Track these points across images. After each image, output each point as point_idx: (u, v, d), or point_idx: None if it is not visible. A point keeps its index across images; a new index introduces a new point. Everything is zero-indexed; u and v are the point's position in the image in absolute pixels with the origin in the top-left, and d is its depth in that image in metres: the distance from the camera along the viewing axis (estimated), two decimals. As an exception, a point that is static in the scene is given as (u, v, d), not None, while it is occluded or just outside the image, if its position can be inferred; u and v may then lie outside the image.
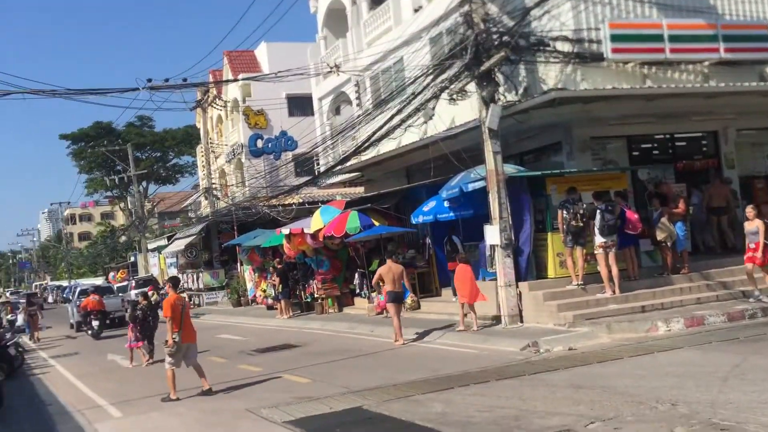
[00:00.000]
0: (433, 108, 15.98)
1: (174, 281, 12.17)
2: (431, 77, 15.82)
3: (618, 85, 14.83)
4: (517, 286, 13.90)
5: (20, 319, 27.68)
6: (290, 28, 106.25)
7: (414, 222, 16.73)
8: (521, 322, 13.79)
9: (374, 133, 18.42)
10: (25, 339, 24.40)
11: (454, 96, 15.20)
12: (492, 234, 13.92)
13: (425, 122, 16.55)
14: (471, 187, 14.77)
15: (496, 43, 14.01)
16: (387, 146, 19.97)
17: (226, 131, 41.61)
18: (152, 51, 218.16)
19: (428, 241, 18.29)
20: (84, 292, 29.65)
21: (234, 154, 39.19)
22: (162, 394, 11.07)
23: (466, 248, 15.87)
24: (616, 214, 13.47)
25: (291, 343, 16.20)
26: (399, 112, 17.33)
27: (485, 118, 14.11)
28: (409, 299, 17.92)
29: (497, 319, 14.22)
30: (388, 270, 14.38)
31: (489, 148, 14.08)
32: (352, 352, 13.80)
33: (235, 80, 33.62)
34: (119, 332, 23.48)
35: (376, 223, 18.61)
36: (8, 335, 17.96)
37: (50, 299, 65.42)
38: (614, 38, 14.57)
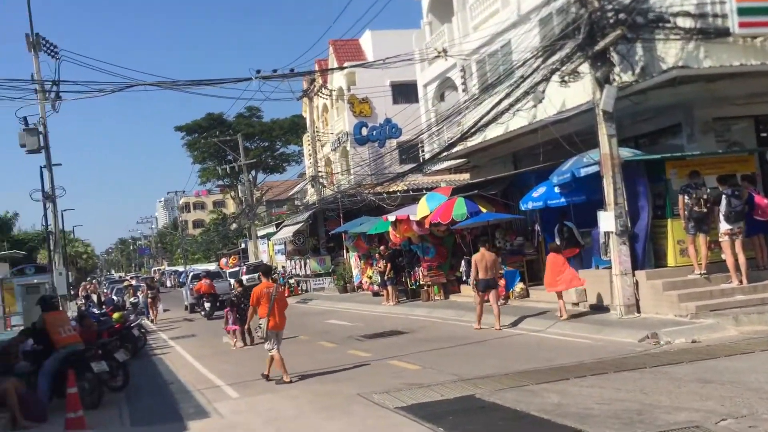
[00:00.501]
0: (543, 91, 15.49)
1: (265, 269, 12.44)
2: (541, 59, 15.37)
3: (746, 61, 13.85)
4: (634, 275, 13.31)
5: (141, 302, 29.38)
6: (395, 15, 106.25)
7: (523, 208, 16.34)
8: (638, 312, 13.20)
9: (481, 118, 18.10)
10: (145, 321, 25.72)
11: (566, 78, 14.67)
12: (607, 220, 13.38)
13: (534, 106, 16.07)
14: (584, 172, 14.24)
15: (611, 21, 13.40)
16: (494, 132, 19.57)
17: (332, 120, 42.22)
18: (259, 43, 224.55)
19: (537, 227, 17.83)
20: (196, 277, 31.61)
21: (339, 143, 39.71)
22: (275, 377, 11.39)
23: (582, 235, 15.34)
24: (744, 199, 12.62)
25: (398, 330, 16.24)
26: (507, 96, 16.95)
27: (599, 100, 13.56)
28: (518, 287, 17.60)
29: (604, 309, 13.72)
30: (482, 258, 14.62)
31: (603, 131, 13.52)
32: (461, 339, 13.66)
33: (342, 68, 33.99)
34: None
35: (483, 210, 18.33)
36: (132, 317, 18.98)
37: (168, 284, 68.85)
38: (742, 11, 13.58)
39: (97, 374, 10.48)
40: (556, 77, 14.95)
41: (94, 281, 58.84)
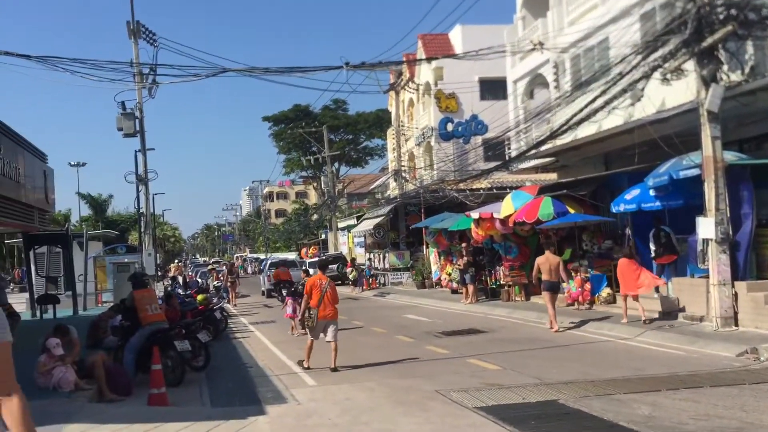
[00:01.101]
0: (643, 89, 14.83)
1: (322, 263, 13.63)
2: (642, 55, 14.70)
3: None
4: (733, 286, 12.56)
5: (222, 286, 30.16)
6: (486, 11, 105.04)
7: (615, 210, 15.71)
8: (736, 325, 12.46)
9: (574, 115, 17.51)
10: (227, 304, 26.29)
11: (668, 75, 13.98)
12: (706, 227, 12.67)
13: (632, 104, 15.41)
14: (683, 174, 13.55)
15: (721, 16, 12.67)
16: (586, 131, 18.91)
17: (417, 114, 42.03)
18: (348, 36, 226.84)
19: (628, 231, 17.11)
20: (274, 265, 32.48)
21: (424, 138, 39.49)
22: (350, 367, 11.36)
23: (679, 241, 14.63)
24: None
25: (477, 328, 15.92)
26: (603, 93, 16.32)
27: (704, 99, 12.85)
28: (604, 292, 16.97)
29: (700, 319, 13.00)
30: (545, 260, 15.17)
31: (707, 132, 12.81)
32: (542, 342, 13.25)
33: (431, 59, 33.73)
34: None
35: (571, 210, 17.75)
36: (215, 299, 19.39)
37: (249, 270, 70.46)
38: None
39: (180, 353, 10.67)
40: (657, 74, 14.27)
41: (180, 264, 60.80)
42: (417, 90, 38.49)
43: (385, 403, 8.70)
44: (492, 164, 29.02)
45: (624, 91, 15.25)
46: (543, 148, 21.08)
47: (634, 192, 15.22)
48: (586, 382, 9.19)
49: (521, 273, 20.84)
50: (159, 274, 34.67)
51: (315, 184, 74.97)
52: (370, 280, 34.30)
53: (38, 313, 20.84)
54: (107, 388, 9.79)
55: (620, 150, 19.53)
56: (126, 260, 25.65)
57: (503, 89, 37.49)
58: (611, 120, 17.33)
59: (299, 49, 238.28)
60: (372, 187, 64.80)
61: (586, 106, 17.05)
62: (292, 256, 58.34)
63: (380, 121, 62.60)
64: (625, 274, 14.53)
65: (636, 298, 14.37)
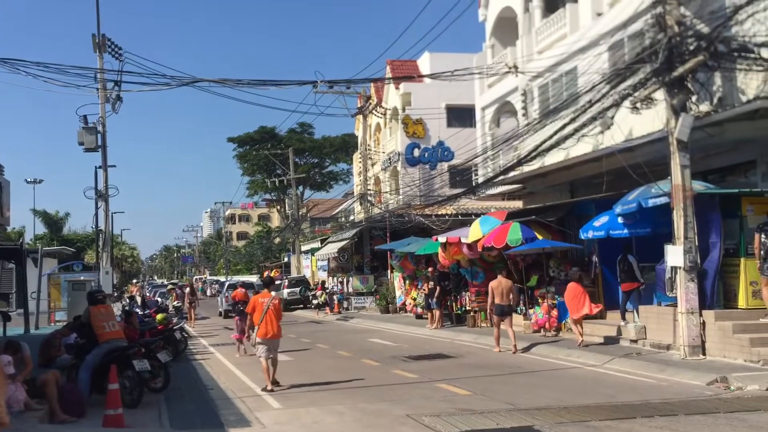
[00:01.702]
0: (612, 117, 14.94)
1: (266, 281, 13.27)
2: (611, 84, 14.83)
3: (833, 97, 13.11)
4: (701, 314, 12.56)
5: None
6: (453, 41, 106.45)
7: (583, 237, 15.71)
8: (703, 354, 12.44)
9: (543, 142, 17.58)
10: (187, 325, 25.63)
11: (638, 104, 14.11)
12: (675, 255, 12.69)
13: (602, 132, 15.48)
14: (651, 203, 13.60)
15: (691, 47, 12.84)
16: (553, 158, 19.03)
17: (384, 139, 42.05)
18: (315, 62, 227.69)
19: (595, 258, 17.15)
20: (232, 286, 32.70)
21: (390, 162, 39.46)
22: (316, 389, 11.06)
23: (645, 270, 14.65)
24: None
25: (444, 353, 15.69)
26: (573, 120, 16.43)
27: (674, 128, 12.96)
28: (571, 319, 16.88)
29: (668, 348, 13.00)
30: (498, 284, 15.74)
31: (677, 161, 12.90)
32: (511, 368, 13.06)
33: (408, 77, 33.89)
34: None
35: (539, 237, 17.72)
36: (174, 319, 18.83)
37: (208, 293, 69.25)
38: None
39: (138, 372, 10.21)
40: (627, 103, 14.40)
41: (138, 284, 59.45)
42: (384, 115, 38.51)
43: (355, 427, 8.38)
44: (458, 190, 29.07)
45: (593, 119, 15.35)
46: (510, 174, 21.15)
47: (603, 219, 15.24)
48: (559, 408, 9.00)
49: (487, 299, 20.69)
50: (116, 294, 33.75)
51: (278, 207, 74.34)
52: (334, 304, 33.82)
53: (-13, 331, 19.94)
54: (59, 409, 9.29)
55: (587, 178, 19.69)
56: (82, 278, 24.88)
57: (470, 117, 37.78)
58: (579, 148, 17.40)
59: (267, 74, 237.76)
60: (336, 211, 64.56)
61: (555, 133, 17.14)
62: (253, 278, 57.53)
63: (346, 146, 62.52)
64: (571, 298, 15.15)
65: (579, 321, 15.07)
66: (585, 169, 19.07)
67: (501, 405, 9.46)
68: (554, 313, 17.00)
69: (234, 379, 13.03)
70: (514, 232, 17.72)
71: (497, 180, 21.35)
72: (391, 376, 12.64)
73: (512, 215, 19.63)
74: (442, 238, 21.31)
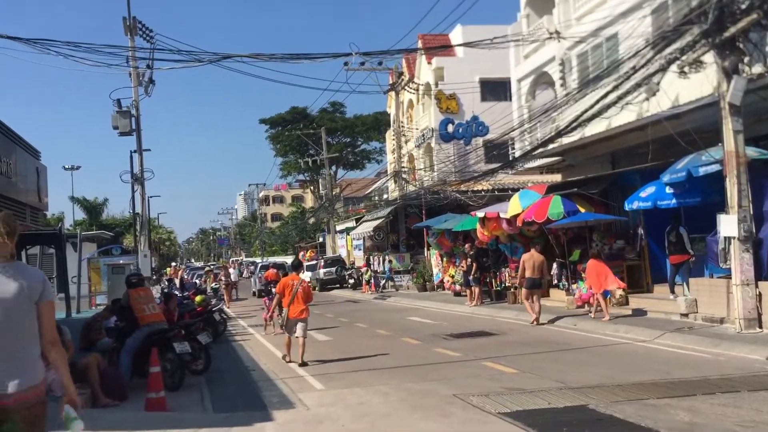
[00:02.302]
0: (658, 83, 14.34)
1: (295, 264, 13.50)
2: (657, 49, 14.20)
3: None
4: (757, 286, 12.02)
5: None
6: (484, 14, 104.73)
7: (629, 208, 15.15)
8: (759, 327, 11.92)
9: (584, 111, 17.03)
10: (225, 306, 25.68)
11: (686, 68, 13.48)
12: (728, 224, 12.14)
13: (647, 99, 14.89)
14: (702, 171, 13.03)
15: (743, 5, 12.17)
16: (594, 128, 18.44)
17: (417, 116, 41.50)
18: (347, 38, 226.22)
19: (640, 231, 16.61)
20: (264, 267, 35.36)
21: (424, 139, 38.96)
22: (357, 369, 10.85)
23: (694, 241, 14.11)
24: None
25: (486, 331, 15.37)
26: (615, 88, 15.84)
27: (725, 92, 12.35)
28: (617, 293, 16.41)
29: (721, 321, 12.49)
30: (530, 258, 16.15)
31: (729, 126, 12.30)
32: (557, 345, 12.68)
33: (445, 47, 33.29)
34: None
35: (582, 209, 17.20)
36: (213, 301, 18.79)
37: (245, 274, 69.73)
38: None
39: (179, 355, 10.08)
40: (673, 68, 13.79)
41: (177, 266, 60.06)
42: (417, 91, 37.96)
43: (401, 408, 8.11)
44: (494, 165, 28.51)
45: (638, 85, 14.76)
46: (549, 146, 20.59)
47: (649, 189, 14.70)
48: (613, 386, 8.63)
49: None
50: (154, 277, 34.04)
51: (312, 188, 74.39)
52: (383, 281, 33.46)
53: (30, 316, 20.17)
54: (101, 392, 9.20)
55: (629, 148, 19.04)
56: (121, 262, 25.03)
57: (504, 90, 37.08)
58: (622, 117, 16.85)
59: (298, 49, 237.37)
60: (370, 190, 64.29)
61: (596, 102, 16.60)
62: (288, 259, 57.70)
63: (378, 124, 62.15)
64: (592, 275, 15.36)
65: (603, 296, 15.21)
66: (628, 138, 18.42)
67: (551, 383, 9.12)
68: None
69: (275, 360, 12.86)
70: (556, 206, 17.22)
71: (536, 153, 20.80)
72: (433, 355, 12.36)
73: (552, 188, 19.12)
74: (480, 214, 20.90)
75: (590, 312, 15.70)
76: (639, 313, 15.40)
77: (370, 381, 10.02)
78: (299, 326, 11.78)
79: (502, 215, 19.73)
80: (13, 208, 16.06)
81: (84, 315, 20.53)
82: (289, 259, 57.21)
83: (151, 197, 47.91)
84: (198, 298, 17.02)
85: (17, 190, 16.13)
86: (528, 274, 15.92)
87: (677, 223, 14.45)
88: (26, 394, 3.59)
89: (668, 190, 14.18)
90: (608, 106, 16.12)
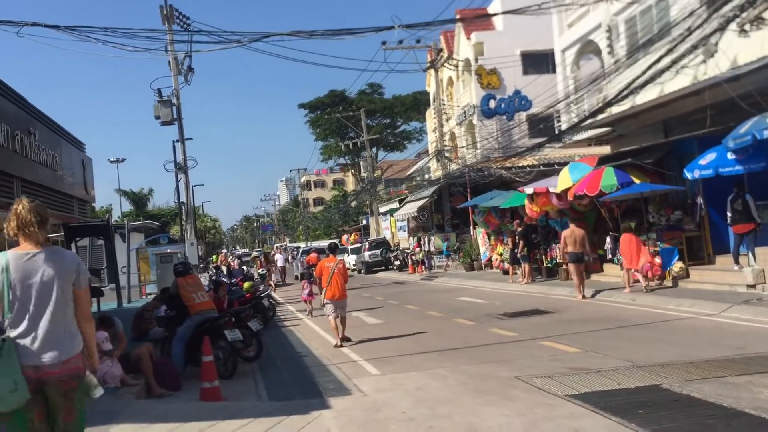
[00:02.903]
0: (716, 44, 13.61)
1: (331, 246, 13.91)
2: (713, 7, 13.45)
3: None
4: (832, 254, 11.34)
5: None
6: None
7: (689, 177, 14.41)
8: (835, 297, 11.25)
9: (636, 78, 16.32)
10: (273, 292, 25.65)
11: (746, 26, 12.74)
12: (799, 189, 11.45)
13: (704, 61, 14.20)
14: None
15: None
16: (646, 96, 17.71)
17: (457, 93, 40.82)
18: (384, 16, 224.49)
19: (699, 200, 15.90)
20: (306, 252, 36.73)
21: (465, 116, 38.30)
22: (410, 352, 10.58)
23: (759, 208, 13.41)
24: None
25: (541, 309, 14.92)
26: (669, 52, 15.12)
27: (792, 48, 11.58)
28: (676, 266, 15.78)
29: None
30: (571, 233, 16.54)
31: (797, 84, 11.55)
32: (617, 321, 12.19)
33: (487, 15, 32.56)
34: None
35: (636, 180, 16.54)
36: (261, 287, 18.70)
37: (290, 259, 70.10)
38: None
39: (230, 343, 9.92)
40: (732, 26, 13.04)
41: (224, 253, 60.69)
42: (456, 67, 37.28)
43: (463, 392, 7.78)
44: (539, 140, 27.82)
45: (694, 47, 14.04)
46: (599, 117, 19.89)
47: (710, 156, 13.99)
48: (685, 364, 8.16)
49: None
50: (201, 265, 34.29)
51: (353, 171, 74.26)
52: (442, 259, 33.18)
53: (83, 307, 20.38)
54: (155, 383, 9.09)
55: (683, 115, 18.23)
56: (168, 251, 25.15)
57: (546, 62, 36.17)
58: (676, 82, 16.14)
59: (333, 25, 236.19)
60: (411, 170, 63.82)
61: (649, 67, 15.91)
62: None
63: (417, 104, 61.55)
64: (627, 250, 15.46)
65: (637, 271, 15.36)
66: (682, 105, 17.61)
67: (617, 362, 8.68)
68: (657, 260, 15.87)
69: (326, 345, 12.66)
70: (608, 178, 16.59)
71: (585, 124, 20.10)
72: (488, 335, 12.00)
73: (604, 160, 18.44)
74: (529, 189, 20.33)
75: (625, 288, 15.73)
76: (699, 285, 14.78)
77: (425, 364, 9.71)
78: (338, 307, 12.24)
79: (551, 190, 19.16)
80: (60, 200, 16.13)
81: (135, 305, 20.68)
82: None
83: (194, 186, 48.41)
84: (246, 285, 16.92)
85: (64, 183, 16.19)
86: (570, 248, 16.35)
87: (741, 191, 13.74)
88: (57, 369, 3.95)
89: (730, 156, 13.47)
90: (662, 71, 15.44)
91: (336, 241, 56.14)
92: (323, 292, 12.34)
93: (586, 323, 12.25)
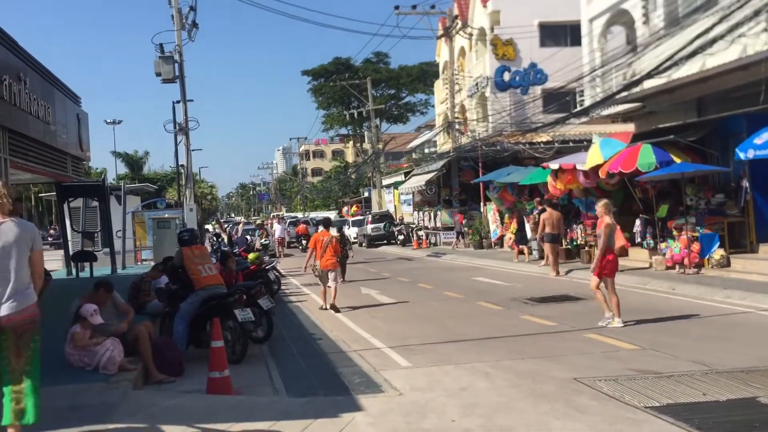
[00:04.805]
0: (782, 10, 12.34)
1: (325, 221, 14.67)
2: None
3: None
4: None
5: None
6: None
7: (742, 157, 13.15)
8: None
9: (682, 48, 15.06)
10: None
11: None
12: None
13: (767, 29, 12.92)
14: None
15: None
16: (685, 70, 16.45)
17: (469, 64, 39.29)
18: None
19: (745, 183, 14.72)
20: (294, 223, 39.45)
21: (477, 88, 36.82)
22: (440, 339, 9.49)
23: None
24: None
25: (571, 295, 13.80)
26: (723, 19, 13.85)
27: None
28: (717, 254, 14.65)
29: None
30: (549, 216, 18.01)
31: None
32: (664, 313, 11.03)
33: None
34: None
35: (677, 160, 15.32)
36: (266, 258, 17.52)
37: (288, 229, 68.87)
38: None
39: (241, 324, 8.73)
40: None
41: (219, 221, 59.48)
42: (471, 36, 35.70)
43: (518, 396, 6.63)
44: (558, 115, 26.49)
45: (756, 13, 12.78)
46: (633, 90, 18.63)
47: (766, 135, 12.76)
48: (774, 371, 7.03)
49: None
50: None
51: (354, 142, 72.73)
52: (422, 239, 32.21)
53: (74, 271, 19.20)
54: (154, 367, 7.93)
55: (722, 92, 17.05)
56: (166, 215, 23.91)
57: (565, 34, 34.74)
58: (720, 56, 14.96)
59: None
60: (415, 143, 62.46)
61: (697, 36, 14.66)
62: (331, 214, 56.53)
63: (424, 75, 59.90)
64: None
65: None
66: (724, 80, 16.38)
67: (688, 364, 7.54)
68: (695, 247, 14.73)
69: (341, 326, 11.52)
70: (646, 155, 15.37)
71: (619, 97, 18.82)
72: (522, 323, 10.87)
73: (639, 136, 17.21)
74: (554, 165, 19.11)
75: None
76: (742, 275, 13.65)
77: (460, 357, 8.55)
78: (331, 275, 13.22)
79: (579, 167, 17.93)
80: (52, 157, 14.84)
81: (129, 271, 19.51)
82: (332, 214, 56.18)
83: (193, 150, 46.99)
84: (251, 256, 15.70)
85: (57, 138, 14.87)
86: (549, 230, 17.75)
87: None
88: (16, 316, 4.80)
89: (791, 135, 12.27)
90: (713, 41, 14.20)
91: (332, 214, 55.05)
92: (318, 262, 13.29)
93: (630, 314, 11.03)
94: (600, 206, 10.52)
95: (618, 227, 10.47)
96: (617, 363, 7.81)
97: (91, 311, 7.77)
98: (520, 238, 21.76)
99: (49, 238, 32.63)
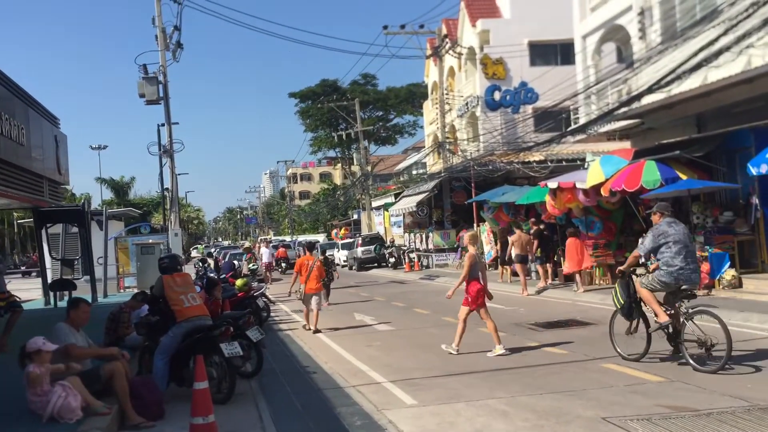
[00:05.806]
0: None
1: (308, 245, 15.28)
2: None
3: None
4: None
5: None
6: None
7: (755, 173, 12.57)
8: None
9: (684, 62, 14.56)
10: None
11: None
12: None
13: (775, 40, 12.41)
14: None
15: None
16: (685, 85, 15.95)
17: (459, 83, 38.88)
18: (384, 4, 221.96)
19: (755, 200, 14.12)
20: (275, 246, 38.41)
21: (468, 108, 36.38)
22: (444, 372, 8.64)
23: None
24: None
25: (577, 319, 13.08)
26: (728, 30, 13.35)
27: None
28: (727, 274, 13.99)
29: None
30: (518, 238, 18.91)
31: None
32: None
33: None
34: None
35: (683, 176, 14.72)
36: (255, 284, 16.70)
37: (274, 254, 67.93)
38: None
39: (228, 359, 7.91)
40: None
41: (205, 247, 58.45)
42: (460, 56, 35.30)
43: (543, 441, 5.87)
44: (548, 135, 25.97)
45: (766, 22, 12.26)
46: (635, 105, 18.10)
47: (778, 149, 12.19)
48: (825, 407, 6.31)
49: (607, 252, 17.92)
50: (183, 257, 32.13)
51: (342, 164, 72.11)
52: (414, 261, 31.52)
53: (52, 301, 18.28)
54: (131, 409, 7.09)
55: (722, 107, 16.53)
56: (150, 241, 23.07)
57: (555, 54, 34.45)
58: (723, 70, 14.48)
59: (333, 18, 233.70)
60: (399, 166, 61.96)
61: (701, 49, 14.16)
62: (320, 237, 55.74)
63: (412, 96, 59.64)
64: (573, 252, 17.08)
65: (579, 273, 17.08)
66: (728, 94, 15.85)
67: (725, 399, 6.82)
68: (705, 267, 14.05)
69: (336, 358, 10.72)
70: (650, 172, 14.75)
71: (619, 113, 18.27)
72: (532, 353, 10.15)
73: (642, 153, 16.62)
74: (552, 184, 18.46)
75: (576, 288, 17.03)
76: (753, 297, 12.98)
77: (471, 393, 7.78)
78: (314, 299, 13.51)
79: (578, 185, 17.30)
80: (27, 180, 14.03)
81: (111, 300, 18.60)
82: (320, 237, 55.36)
83: (179, 174, 46.12)
84: (239, 282, 14.84)
85: (32, 161, 14.08)
86: (517, 251, 18.71)
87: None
88: None
89: (805, 149, 11.68)
90: (718, 53, 13.68)
91: (321, 237, 54.23)
92: (302, 286, 13.59)
93: (644, 340, 10.35)
94: (466, 237, 10.99)
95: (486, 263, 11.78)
96: (645, 398, 7.07)
97: (40, 343, 6.84)
98: (503, 258, 21.37)
99: (23, 267, 31.53)
